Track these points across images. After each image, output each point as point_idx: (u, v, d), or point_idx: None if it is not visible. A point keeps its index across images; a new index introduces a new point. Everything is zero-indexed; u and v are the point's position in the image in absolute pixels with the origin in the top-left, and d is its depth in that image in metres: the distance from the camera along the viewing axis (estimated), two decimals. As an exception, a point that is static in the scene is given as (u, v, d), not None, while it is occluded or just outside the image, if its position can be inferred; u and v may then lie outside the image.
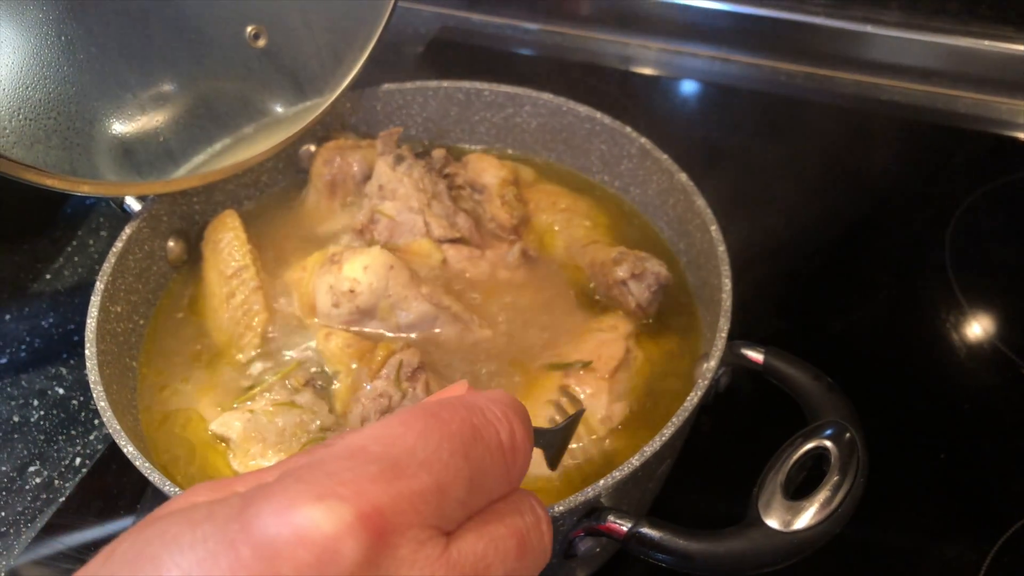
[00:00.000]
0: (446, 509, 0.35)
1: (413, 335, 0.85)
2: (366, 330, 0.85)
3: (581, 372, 0.80)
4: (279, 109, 0.95)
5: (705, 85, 1.40)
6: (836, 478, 0.62)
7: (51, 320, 1.09)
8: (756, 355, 0.73)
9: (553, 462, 0.56)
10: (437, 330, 0.84)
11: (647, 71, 1.43)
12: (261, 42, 0.90)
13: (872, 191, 1.17)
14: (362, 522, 0.31)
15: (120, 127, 0.83)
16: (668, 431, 0.67)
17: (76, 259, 1.17)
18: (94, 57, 0.79)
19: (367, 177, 0.97)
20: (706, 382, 0.70)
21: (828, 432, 0.65)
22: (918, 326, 1.01)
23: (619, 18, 1.46)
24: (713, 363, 0.71)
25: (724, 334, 0.73)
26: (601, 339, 0.83)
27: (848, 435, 0.65)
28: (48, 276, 1.15)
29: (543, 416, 0.76)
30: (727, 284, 0.77)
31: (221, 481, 0.36)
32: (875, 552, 0.81)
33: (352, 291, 0.83)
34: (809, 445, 0.65)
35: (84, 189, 0.80)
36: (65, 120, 0.78)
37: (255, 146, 0.92)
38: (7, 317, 1.10)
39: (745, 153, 1.21)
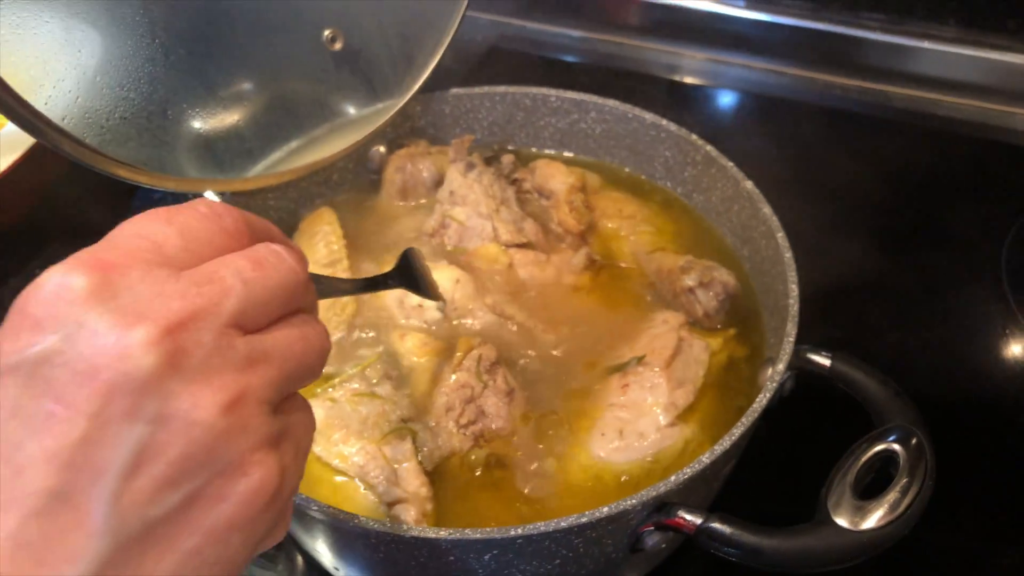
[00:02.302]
0: (166, 252, 0.41)
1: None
2: (434, 328, 0.88)
3: (639, 368, 0.82)
4: (352, 110, 0.98)
5: (758, 97, 1.41)
6: (904, 480, 0.64)
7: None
8: (823, 360, 0.75)
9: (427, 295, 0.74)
10: (503, 340, 0.87)
11: (697, 81, 1.45)
12: (337, 45, 0.93)
13: (928, 205, 1.17)
14: (85, 263, 0.39)
15: (204, 125, 0.86)
16: (738, 431, 0.69)
17: (144, 251, 1.20)
18: (183, 59, 0.82)
19: (437, 182, 1.00)
20: (775, 384, 0.72)
21: (895, 436, 0.67)
22: (974, 337, 1.02)
23: (671, 28, 1.48)
24: (781, 367, 0.73)
25: (792, 339, 0.74)
26: (653, 334, 0.85)
27: (915, 439, 0.66)
28: (118, 266, 1.18)
29: (611, 421, 0.79)
30: (794, 290, 0.78)
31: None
32: (938, 554, 0.82)
33: (420, 305, 0.86)
34: (877, 448, 0.66)
35: (169, 185, 0.83)
36: (156, 119, 0.81)
37: (329, 146, 0.95)
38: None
39: (799, 165, 1.22)
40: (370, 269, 0.92)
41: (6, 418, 0.36)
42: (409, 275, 0.75)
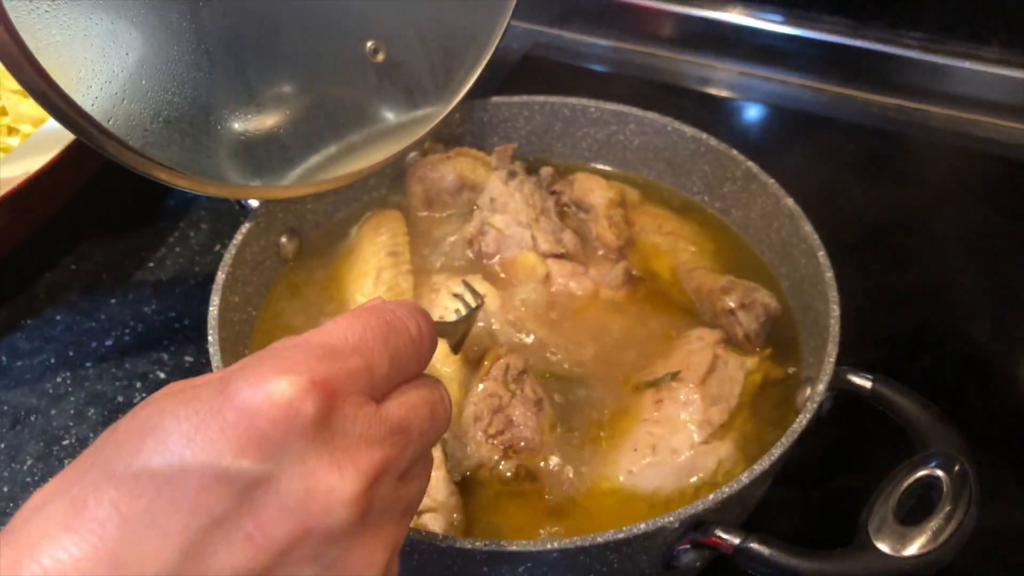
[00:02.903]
0: (375, 382, 0.44)
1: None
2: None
3: (673, 384, 0.81)
4: (392, 119, 0.98)
5: (794, 112, 1.40)
6: (948, 508, 0.63)
7: (153, 307, 1.13)
8: (864, 382, 0.74)
9: (456, 348, 0.76)
10: (529, 354, 0.86)
11: (732, 95, 1.44)
12: (380, 56, 0.93)
13: (967, 226, 1.16)
14: (315, 387, 0.40)
15: (245, 130, 0.86)
16: (778, 451, 0.68)
17: (177, 250, 1.21)
18: (227, 64, 0.83)
19: (459, 187, 1.00)
20: (815, 405, 0.71)
21: (938, 462, 0.66)
22: (1018, 361, 1.00)
23: (707, 41, 1.48)
24: (821, 387, 0.72)
25: (832, 359, 0.74)
26: (688, 350, 0.84)
27: (959, 466, 0.65)
28: (151, 264, 1.19)
29: (644, 436, 0.78)
30: (835, 310, 0.77)
31: (190, 380, 0.44)
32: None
33: (443, 318, 0.86)
34: (920, 473, 0.65)
35: (210, 190, 0.83)
36: (199, 123, 0.82)
37: (367, 156, 0.95)
38: (112, 301, 1.14)
39: (835, 182, 1.21)
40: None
41: (210, 524, 0.38)
42: (463, 328, 0.78)
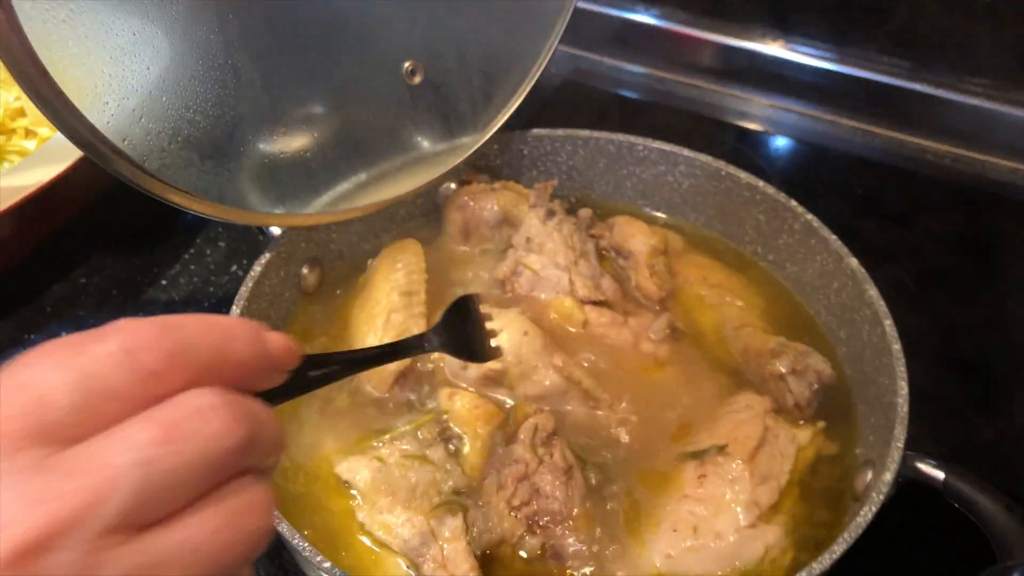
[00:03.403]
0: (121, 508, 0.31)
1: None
2: (492, 394, 0.81)
3: (719, 458, 0.74)
4: (425, 146, 0.92)
5: (843, 156, 1.33)
6: (1034, 632, 0.55)
7: (163, 328, 1.07)
8: (935, 472, 0.67)
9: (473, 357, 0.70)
10: (568, 407, 0.80)
11: (778, 132, 1.38)
12: (417, 79, 0.87)
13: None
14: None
15: (269, 153, 0.81)
16: (839, 548, 0.61)
17: (192, 267, 1.15)
18: (255, 83, 0.77)
19: (500, 221, 0.94)
20: (881, 497, 0.64)
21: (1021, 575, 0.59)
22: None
23: (755, 75, 1.41)
24: (888, 476, 0.65)
25: (901, 444, 0.67)
26: (736, 420, 0.77)
27: (1047, 583, 0.58)
28: (164, 282, 1.14)
29: (684, 516, 0.71)
30: (903, 388, 0.71)
31: None
32: None
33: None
34: (1001, 588, 0.58)
35: (229, 216, 0.78)
36: (220, 144, 0.76)
37: (397, 184, 0.89)
38: (121, 319, 1.08)
39: (890, 234, 1.14)
40: (434, 316, 0.85)
41: None
42: (455, 332, 0.68)
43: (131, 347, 0.34)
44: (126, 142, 0.67)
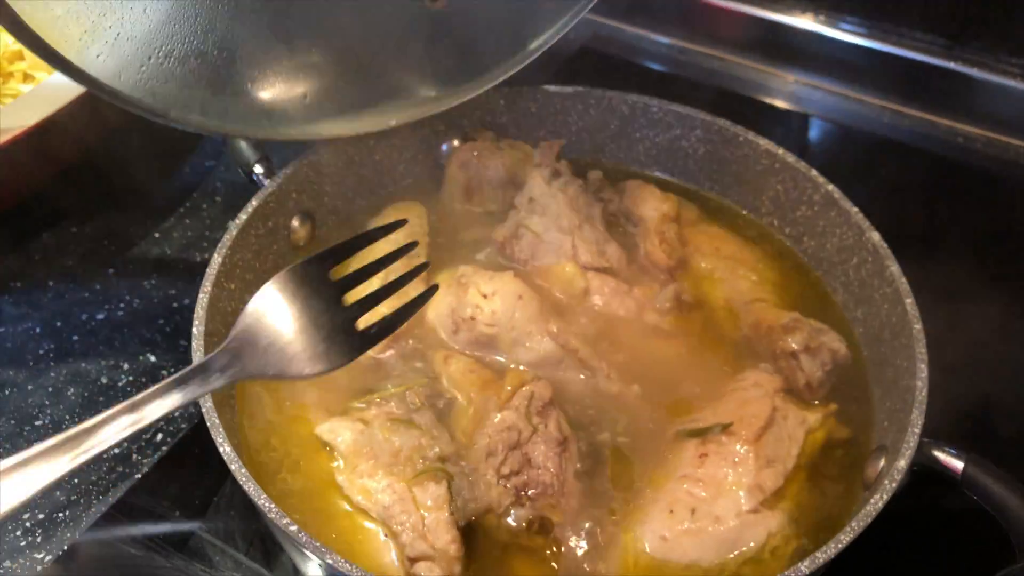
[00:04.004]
0: None
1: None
2: (487, 358, 0.77)
3: (722, 438, 0.70)
4: (435, 80, 0.85)
5: (871, 136, 1.27)
6: (1056, 637, 0.51)
7: (153, 281, 1.04)
8: (954, 463, 0.62)
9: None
10: (565, 376, 0.76)
11: (803, 110, 1.32)
12: (440, 2, 0.82)
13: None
14: None
15: (268, 77, 0.76)
16: (846, 537, 0.57)
17: (187, 222, 1.12)
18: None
19: (505, 182, 0.89)
20: (894, 484, 0.59)
21: (1044, 574, 0.54)
22: None
23: (782, 49, 1.35)
24: (903, 463, 0.61)
25: (918, 430, 0.62)
26: (743, 398, 0.73)
27: (1071, 583, 0.53)
28: (157, 235, 1.10)
29: (682, 496, 0.67)
30: (923, 371, 0.66)
31: None
32: None
33: (473, 318, 0.76)
34: (1021, 588, 0.53)
35: (228, 129, 0.73)
36: (220, 64, 0.71)
37: (394, 112, 0.83)
38: (110, 272, 1.05)
39: (916, 218, 1.08)
40: (433, 278, 0.81)
41: None
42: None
43: None
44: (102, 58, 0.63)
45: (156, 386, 0.54)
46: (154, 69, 0.67)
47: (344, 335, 0.61)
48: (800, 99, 1.34)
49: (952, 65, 1.25)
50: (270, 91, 0.76)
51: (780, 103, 1.33)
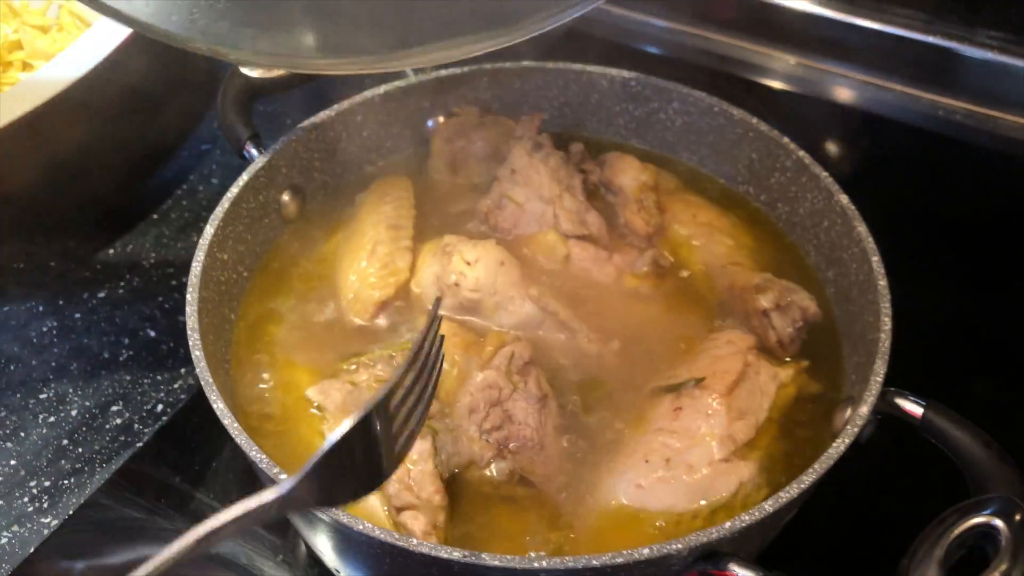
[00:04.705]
0: None
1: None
2: (471, 319, 0.80)
3: (695, 392, 0.72)
4: (462, 23, 0.83)
5: (853, 110, 1.30)
6: (1005, 565, 0.53)
7: (152, 260, 1.07)
8: (914, 408, 0.65)
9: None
10: (545, 336, 0.78)
11: (788, 87, 1.34)
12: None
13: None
14: None
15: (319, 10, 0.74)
16: (808, 478, 0.60)
17: (184, 203, 1.15)
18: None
19: (489, 156, 0.92)
20: (856, 429, 0.62)
21: (996, 508, 0.57)
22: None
23: (765, 28, 1.37)
24: (865, 409, 0.63)
25: (880, 379, 0.65)
26: (716, 354, 0.76)
27: (1021, 515, 0.56)
28: (155, 216, 1.13)
29: (657, 447, 0.69)
30: (887, 323, 0.69)
31: None
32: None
33: (457, 284, 0.78)
34: (974, 520, 0.56)
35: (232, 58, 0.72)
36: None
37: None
38: (111, 251, 1.08)
39: (893, 188, 1.11)
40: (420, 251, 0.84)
41: None
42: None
43: None
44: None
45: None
46: (205, 8, 0.67)
47: None
48: (799, 80, 1.35)
49: (930, 39, 1.27)
50: (319, 27, 0.74)
51: (779, 84, 1.34)
